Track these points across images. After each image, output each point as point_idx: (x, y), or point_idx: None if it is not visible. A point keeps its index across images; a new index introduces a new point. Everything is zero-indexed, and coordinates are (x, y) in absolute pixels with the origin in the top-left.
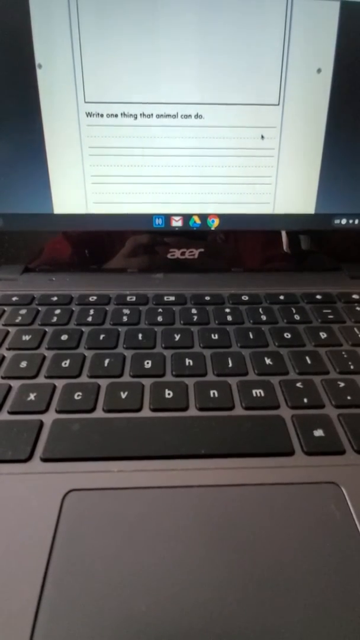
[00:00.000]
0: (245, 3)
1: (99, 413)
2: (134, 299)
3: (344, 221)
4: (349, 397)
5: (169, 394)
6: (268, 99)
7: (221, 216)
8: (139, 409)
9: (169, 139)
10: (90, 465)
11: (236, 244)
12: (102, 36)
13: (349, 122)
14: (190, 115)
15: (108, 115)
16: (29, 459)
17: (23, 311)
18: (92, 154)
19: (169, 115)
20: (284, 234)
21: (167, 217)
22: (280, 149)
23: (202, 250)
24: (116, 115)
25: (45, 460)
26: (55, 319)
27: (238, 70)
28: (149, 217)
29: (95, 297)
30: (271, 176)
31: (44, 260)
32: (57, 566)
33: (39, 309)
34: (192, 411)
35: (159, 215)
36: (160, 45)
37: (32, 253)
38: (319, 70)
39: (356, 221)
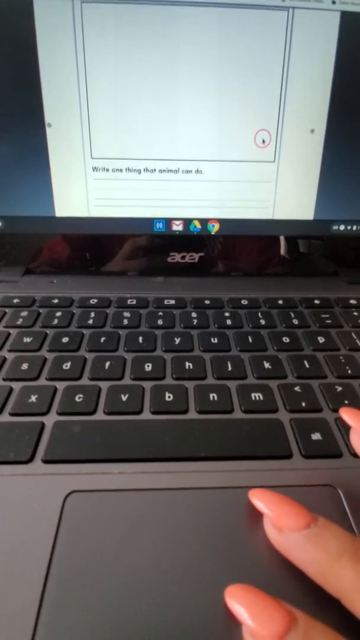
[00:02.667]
0: (245, 57)
1: (99, 415)
2: (134, 302)
3: (342, 227)
4: (346, 401)
5: (169, 397)
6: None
7: (221, 221)
8: (140, 412)
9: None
10: (91, 467)
11: (236, 249)
12: (109, 98)
13: (348, 129)
14: (190, 171)
15: (113, 170)
16: (30, 460)
17: (24, 313)
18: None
19: (170, 171)
20: (283, 239)
21: (168, 221)
22: (280, 156)
23: (202, 254)
24: (121, 170)
25: (46, 461)
26: (56, 321)
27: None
28: (150, 221)
29: (96, 300)
30: (271, 182)
31: (45, 263)
32: (59, 566)
33: (40, 311)
34: (192, 414)
35: (159, 219)
36: (163, 108)
37: (34, 255)
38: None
39: (354, 227)
